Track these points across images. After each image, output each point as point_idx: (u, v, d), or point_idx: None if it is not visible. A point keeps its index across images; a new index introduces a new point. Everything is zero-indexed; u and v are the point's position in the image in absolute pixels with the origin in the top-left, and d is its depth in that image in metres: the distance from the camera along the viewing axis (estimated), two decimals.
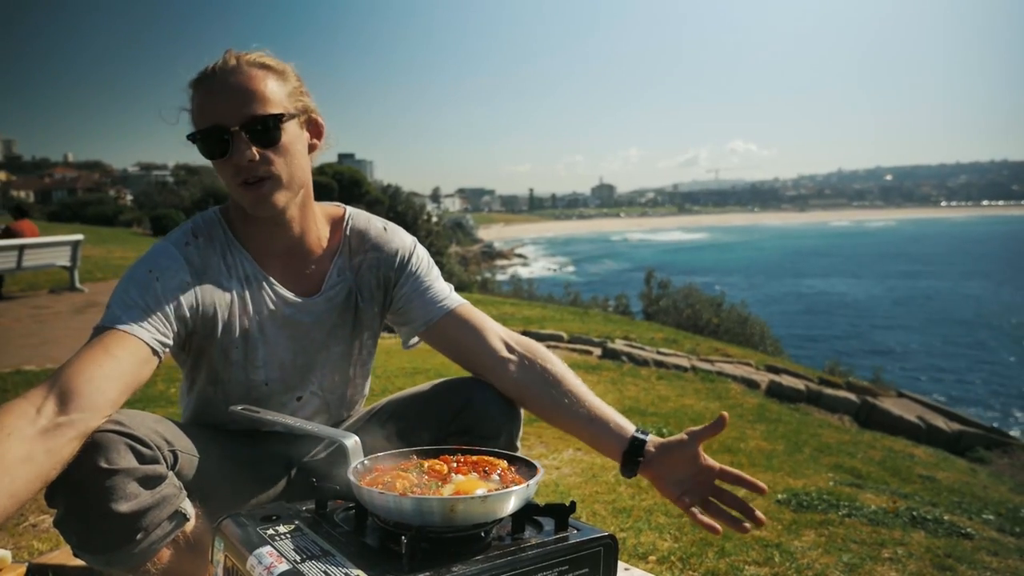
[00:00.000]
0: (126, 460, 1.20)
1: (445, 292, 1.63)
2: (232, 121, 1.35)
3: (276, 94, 1.39)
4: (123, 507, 1.18)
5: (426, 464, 1.25)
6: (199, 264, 1.44)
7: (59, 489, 1.18)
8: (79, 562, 2.17)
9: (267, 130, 1.37)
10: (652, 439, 1.44)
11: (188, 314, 1.41)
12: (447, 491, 1.14)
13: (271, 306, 1.50)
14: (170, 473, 1.28)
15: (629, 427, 1.47)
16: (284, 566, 1.04)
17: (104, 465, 1.18)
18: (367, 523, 1.18)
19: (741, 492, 1.46)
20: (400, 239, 1.63)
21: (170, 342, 1.38)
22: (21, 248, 10.35)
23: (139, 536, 1.22)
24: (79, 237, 11.37)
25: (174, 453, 1.31)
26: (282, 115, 1.38)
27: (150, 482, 1.23)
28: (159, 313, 1.35)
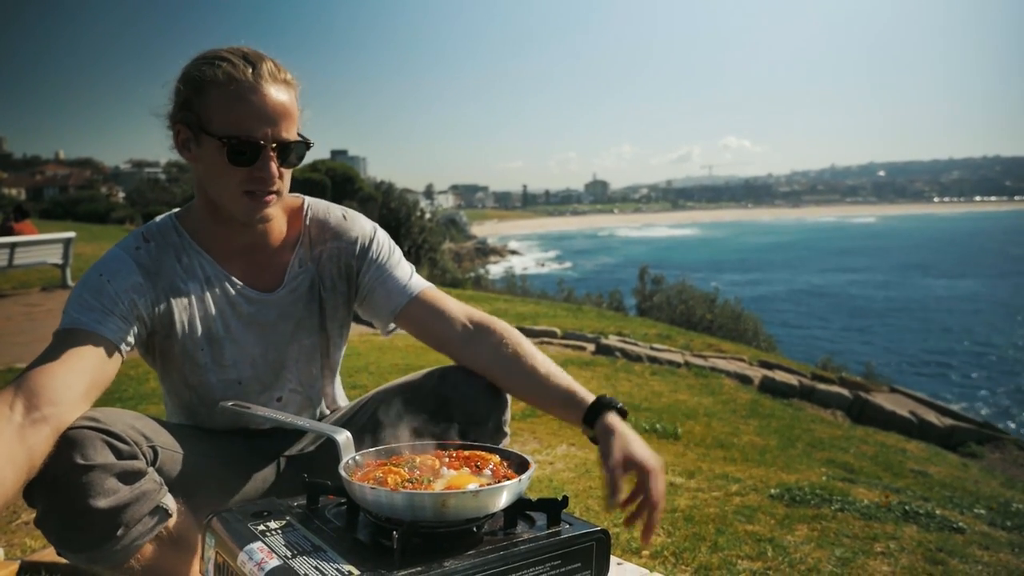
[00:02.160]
0: (103, 456, 1.19)
1: (407, 277, 1.63)
2: (267, 139, 1.38)
3: (296, 115, 1.43)
4: (101, 503, 1.18)
5: (418, 459, 1.25)
6: (151, 266, 1.44)
7: (36, 487, 1.17)
8: None
9: (294, 154, 1.44)
10: (601, 428, 1.40)
11: (144, 314, 1.41)
12: (439, 486, 1.14)
13: (234, 304, 1.51)
14: (150, 469, 1.27)
15: (583, 405, 1.45)
16: (275, 562, 1.04)
17: (80, 461, 1.17)
18: (359, 518, 1.18)
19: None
20: (360, 226, 1.63)
21: (131, 340, 1.38)
22: (12, 246, 10.30)
23: (120, 532, 1.21)
24: (71, 235, 11.31)
25: (154, 449, 1.30)
26: (308, 143, 1.45)
27: (129, 478, 1.22)
28: (115, 312, 1.36)
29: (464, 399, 1.50)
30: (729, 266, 55.79)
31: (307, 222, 1.60)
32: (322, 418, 1.68)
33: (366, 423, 1.57)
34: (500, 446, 1.49)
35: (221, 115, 1.37)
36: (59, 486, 1.17)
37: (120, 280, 1.39)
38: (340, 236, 1.61)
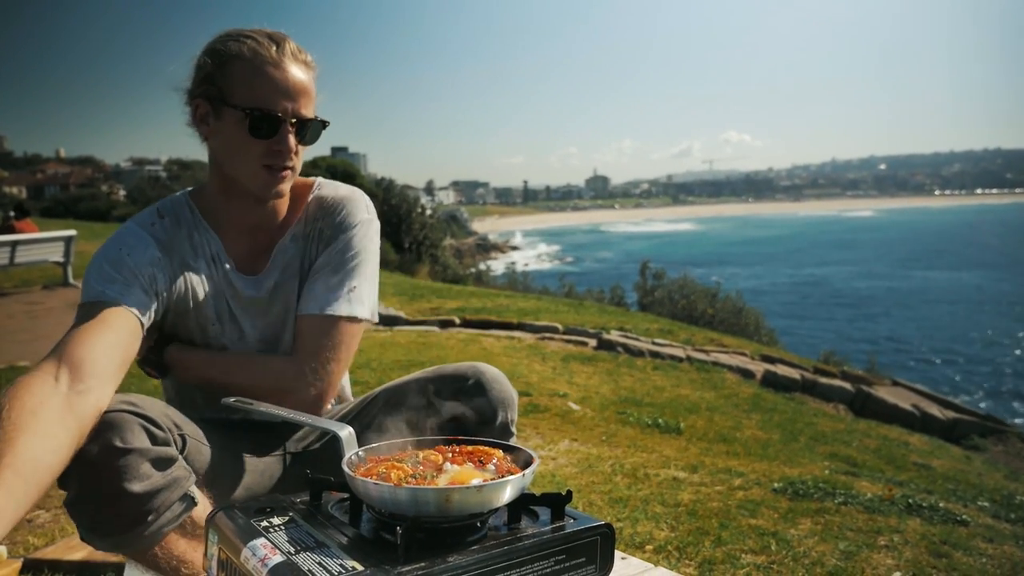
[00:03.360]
0: (140, 440, 1.21)
1: (330, 290, 1.51)
2: (287, 113, 1.42)
3: (314, 96, 1.48)
4: (136, 487, 1.19)
5: (421, 454, 1.24)
6: (166, 241, 1.47)
7: (73, 469, 1.17)
8: (74, 556, 2.17)
9: (310, 131, 1.48)
10: None
11: (162, 288, 1.44)
12: (442, 481, 1.13)
13: (233, 287, 1.54)
14: (180, 456, 1.29)
15: None
16: (278, 558, 1.03)
17: (119, 444, 1.18)
18: (362, 514, 1.17)
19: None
20: (348, 212, 1.58)
21: (151, 315, 1.41)
22: (14, 244, 10.31)
23: (150, 518, 1.22)
24: (72, 233, 11.32)
25: (183, 437, 1.32)
26: (325, 123, 1.50)
27: (162, 464, 1.24)
28: (136, 285, 1.38)
29: (471, 398, 1.49)
30: (731, 260, 55.80)
31: (310, 199, 1.60)
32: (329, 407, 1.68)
33: (371, 420, 1.57)
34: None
35: (244, 88, 1.41)
36: (97, 468, 1.18)
37: (139, 253, 1.42)
38: (330, 214, 1.58)
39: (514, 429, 1.54)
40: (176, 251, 1.48)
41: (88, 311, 1.32)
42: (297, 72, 1.43)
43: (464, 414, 1.48)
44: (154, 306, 1.41)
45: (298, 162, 1.49)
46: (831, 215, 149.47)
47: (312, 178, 1.64)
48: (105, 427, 1.19)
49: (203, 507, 1.32)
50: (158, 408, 1.29)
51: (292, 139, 1.43)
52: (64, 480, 1.20)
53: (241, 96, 1.40)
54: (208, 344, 1.54)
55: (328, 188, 1.62)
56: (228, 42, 1.43)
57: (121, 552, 1.28)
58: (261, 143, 1.42)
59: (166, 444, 1.25)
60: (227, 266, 1.53)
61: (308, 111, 1.45)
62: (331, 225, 1.57)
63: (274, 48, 1.42)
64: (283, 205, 1.57)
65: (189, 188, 1.59)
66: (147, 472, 1.21)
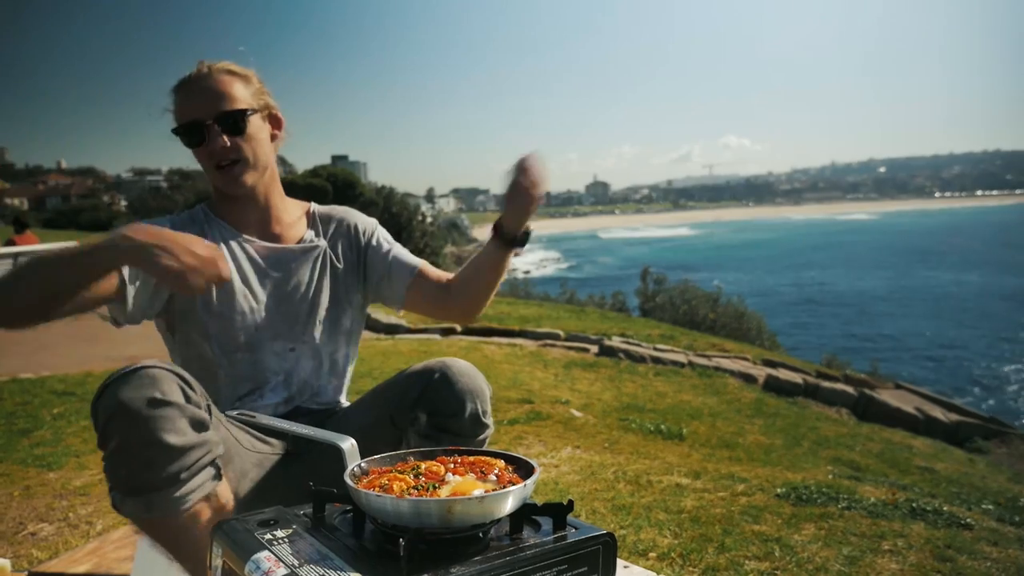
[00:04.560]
0: (177, 396, 1.26)
1: (408, 256, 1.84)
2: (206, 116, 1.58)
3: (241, 93, 1.63)
4: (173, 439, 1.23)
5: (423, 465, 1.25)
6: (179, 226, 1.62)
7: (114, 421, 1.22)
8: (78, 569, 2.17)
9: (235, 122, 1.61)
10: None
11: None
12: (444, 492, 1.14)
13: (251, 257, 1.68)
14: (210, 422, 1.33)
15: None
16: (282, 571, 1.04)
17: (159, 396, 1.23)
18: (365, 526, 1.18)
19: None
20: (363, 216, 1.86)
21: (142, 304, 1.54)
22: (15, 256, 10.32)
23: (183, 475, 1.26)
24: (74, 244, 11.31)
25: (209, 408, 1.36)
26: (247, 110, 1.62)
27: (196, 425, 1.28)
28: (135, 280, 1.54)
29: (438, 391, 1.53)
30: (732, 265, 55.81)
31: (313, 213, 1.81)
32: (330, 401, 1.76)
33: (356, 426, 1.60)
34: (482, 436, 1.56)
35: (177, 115, 1.62)
36: (138, 419, 1.22)
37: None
38: (345, 219, 1.82)
39: (488, 420, 1.57)
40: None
41: None
42: (208, 81, 1.60)
43: (434, 408, 1.52)
44: (159, 296, 1.57)
45: (248, 151, 1.62)
46: (831, 218, 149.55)
47: (307, 202, 1.85)
48: (147, 381, 1.24)
49: (224, 487, 1.36)
50: (190, 377, 1.35)
51: (217, 136, 1.58)
52: (104, 434, 1.25)
53: (177, 120, 1.62)
54: (213, 323, 1.62)
55: (326, 206, 1.85)
56: None
57: (152, 514, 1.28)
58: (201, 150, 1.61)
59: (199, 407, 1.30)
60: (247, 244, 1.68)
61: (230, 107, 1.59)
62: (354, 225, 1.82)
63: (189, 74, 1.62)
64: (284, 207, 1.76)
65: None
66: (183, 428, 1.25)
